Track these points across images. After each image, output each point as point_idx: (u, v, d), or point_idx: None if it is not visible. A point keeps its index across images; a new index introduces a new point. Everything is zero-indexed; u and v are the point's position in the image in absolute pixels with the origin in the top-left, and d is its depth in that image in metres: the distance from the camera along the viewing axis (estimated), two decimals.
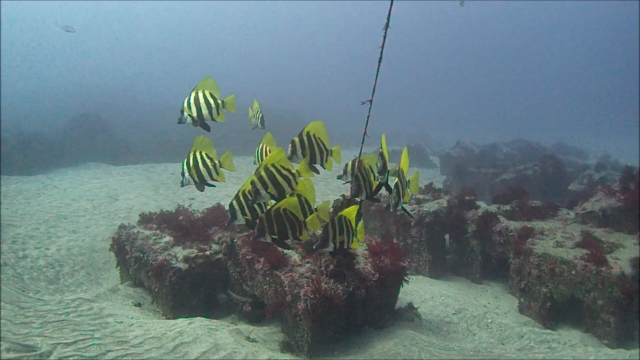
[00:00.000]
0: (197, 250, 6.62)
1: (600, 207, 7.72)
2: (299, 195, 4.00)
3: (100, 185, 13.77)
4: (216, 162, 4.22)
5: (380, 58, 3.99)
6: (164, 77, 67.83)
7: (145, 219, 7.69)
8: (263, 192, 3.66)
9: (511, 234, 7.93)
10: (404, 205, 4.13)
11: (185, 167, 4.09)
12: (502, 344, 5.98)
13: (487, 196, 15.85)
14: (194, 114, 4.15)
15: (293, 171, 3.91)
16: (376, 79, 4.13)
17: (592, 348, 5.67)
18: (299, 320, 5.45)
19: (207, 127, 4.28)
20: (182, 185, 4.22)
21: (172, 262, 6.30)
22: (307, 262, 5.95)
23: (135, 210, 11.33)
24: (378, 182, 4.17)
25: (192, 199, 13.12)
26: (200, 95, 4.21)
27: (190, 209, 8.20)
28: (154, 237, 7.05)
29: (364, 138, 4.57)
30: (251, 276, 6.14)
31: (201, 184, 4.21)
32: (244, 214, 3.96)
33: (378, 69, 4.05)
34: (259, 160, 4.41)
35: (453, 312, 7.01)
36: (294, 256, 6.10)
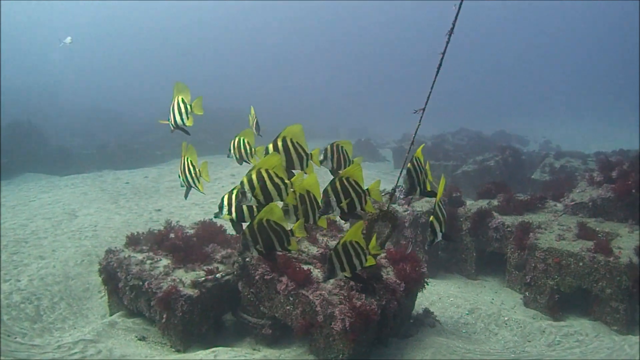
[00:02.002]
0: (204, 273, 6.09)
1: (590, 198, 8.02)
2: (307, 192, 3.80)
3: (52, 201, 12.51)
4: (198, 170, 4.28)
5: (440, 65, 3.74)
6: (91, 76, 63.76)
7: (133, 241, 6.99)
8: (249, 195, 3.51)
9: (508, 229, 8.05)
10: (444, 233, 3.92)
11: (180, 172, 4.33)
12: (528, 341, 6.02)
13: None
14: (172, 121, 4.38)
15: (287, 181, 3.70)
16: (432, 87, 3.89)
17: (617, 337, 5.84)
18: (332, 341, 5.14)
19: (186, 132, 4.49)
20: (181, 186, 4.39)
21: (181, 289, 5.74)
22: None
23: (101, 227, 10.39)
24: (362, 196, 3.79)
25: (159, 210, 12.30)
26: (175, 102, 4.39)
27: (178, 225, 7.57)
28: (149, 262, 6.41)
29: (410, 147, 4.33)
30: (269, 297, 5.72)
31: (188, 190, 4.38)
32: (230, 212, 3.85)
33: (436, 76, 3.80)
34: (234, 153, 4.44)
35: (466, 312, 6.99)
36: (314, 272, 5.76)
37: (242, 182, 3.51)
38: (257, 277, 5.72)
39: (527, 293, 7.41)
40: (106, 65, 71.60)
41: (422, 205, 9.01)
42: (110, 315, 6.71)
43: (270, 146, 3.89)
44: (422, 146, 4.18)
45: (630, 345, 5.32)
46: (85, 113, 35.99)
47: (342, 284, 5.47)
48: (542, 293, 7.17)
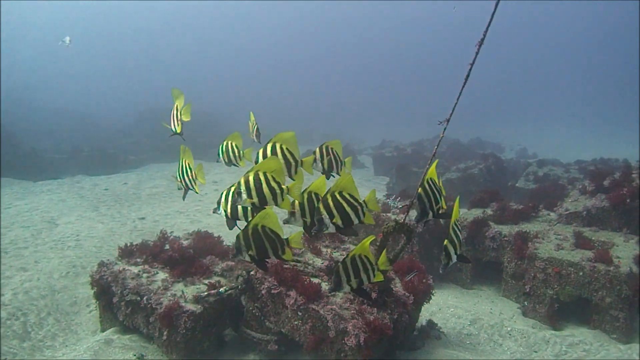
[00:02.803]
0: (205, 287, 5.85)
1: (584, 207, 8.13)
2: (315, 194, 3.77)
3: (29, 208, 11.93)
4: (194, 172, 4.38)
5: (468, 75, 3.67)
6: (61, 76, 61.95)
7: (126, 253, 6.69)
8: (244, 196, 3.48)
9: (505, 238, 8.07)
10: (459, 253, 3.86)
11: (178, 174, 4.40)
12: (534, 351, 6.01)
13: None
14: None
15: (284, 186, 3.63)
16: (458, 99, 3.81)
17: (622, 346, 5.89)
18: (344, 357, 4.99)
19: (182, 136, 4.73)
20: (178, 189, 4.45)
21: (183, 304, 5.48)
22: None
23: (84, 236, 9.94)
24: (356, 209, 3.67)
25: (142, 218, 11.88)
26: (173, 108, 4.68)
27: (172, 236, 7.30)
28: (145, 275, 6.13)
29: (432, 159, 4.24)
30: (276, 311, 5.53)
31: (185, 192, 4.43)
32: (226, 208, 3.88)
33: (463, 87, 3.73)
34: (224, 157, 4.50)
35: (468, 323, 6.95)
36: (323, 285, 5.60)
37: (239, 183, 3.48)
38: (263, 292, 5.52)
39: (526, 302, 7.43)
40: (76, 66, 69.67)
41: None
42: (102, 331, 6.39)
43: (261, 151, 3.86)
44: (436, 162, 4.08)
45: (638, 353, 5.36)
46: (54, 115, 34.90)
47: (352, 297, 5.34)
48: (541, 302, 7.20)
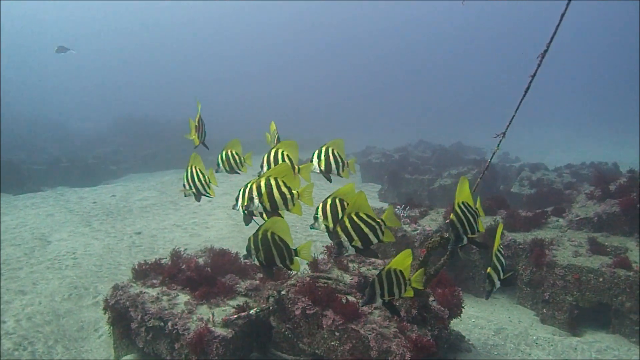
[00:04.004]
0: (232, 309, 5.60)
1: (595, 213, 8.21)
2: (341, 200, 3.68)
3: (16, 224, 11.33)
4: (207, 177, 4.40)
5: (528, 87, 3.59)
6: (30, 84, 59.92)
7: (141, 274, 6.37)
8: (256, 201, 3.55)
9: (520, 246, 8.08)
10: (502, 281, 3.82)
11: (186, 180, 4.37)
12: None
13: (427, 202, 16.07)
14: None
15: (294, 191, 3.67)
16: (516, 111, 3.73)
17: None
18: None
19: (206, 146, 4.99)
20: (185, 196, 4.50)
21: (212, 329, 5.22)
22: (375, 308, 5.34)
23: (81, 254, 9.49)
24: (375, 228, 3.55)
25: (139, 233, 11.45)
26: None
27: (186, 254, 7.01)
28: (165, 298, 5.84)
29: (483, 174, 4.15)
30: (310, 332, 5.33)
31: (198, 195, 4.45)
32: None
33: (522, 99, 3.65)
34: (224, 166, 4.50)
35: (492, 333, 6.89)
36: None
37: (250, 188, 3.53)
38: (296, 312, 5.30)
39: (544, 310, 7.43)
40: (45, 73, 67.48)
41: (430, 223, 8.90)
42: (117, 358, 6.06)
43: (265, 157, 3.96)
44: (463, 180, 3.89)
45: None
46: (26, 124, 33.67)
47: (391, 315, 5.19)
48: (560, 309, 7.21)
